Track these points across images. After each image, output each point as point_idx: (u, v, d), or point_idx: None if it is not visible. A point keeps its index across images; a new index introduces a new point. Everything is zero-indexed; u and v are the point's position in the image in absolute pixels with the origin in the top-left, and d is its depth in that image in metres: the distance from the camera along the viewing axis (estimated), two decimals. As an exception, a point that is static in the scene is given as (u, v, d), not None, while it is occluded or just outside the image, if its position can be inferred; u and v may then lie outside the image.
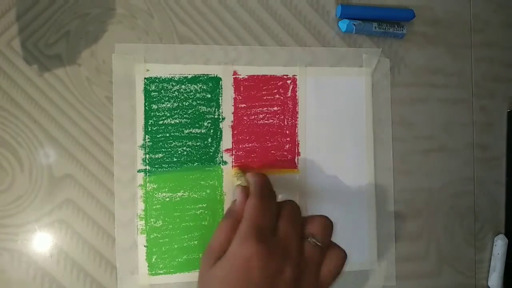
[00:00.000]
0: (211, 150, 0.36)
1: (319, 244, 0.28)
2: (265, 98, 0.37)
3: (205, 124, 0.36)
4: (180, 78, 0.36)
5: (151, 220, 0.35)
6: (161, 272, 0.35)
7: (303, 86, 0.37)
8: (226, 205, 0.36)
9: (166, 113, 0.35)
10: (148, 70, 0.35)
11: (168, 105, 0.35)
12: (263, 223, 0.27)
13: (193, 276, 0.35)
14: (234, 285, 0.25)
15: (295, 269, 0.26)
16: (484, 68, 0.41)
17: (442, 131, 0.40)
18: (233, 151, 0.36)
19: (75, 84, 0.34)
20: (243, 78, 0.36)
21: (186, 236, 0.35)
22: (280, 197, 0.36)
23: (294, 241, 0.28)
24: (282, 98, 0.37)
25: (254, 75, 0.37)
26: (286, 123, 0.37)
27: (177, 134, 0.35)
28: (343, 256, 0.29)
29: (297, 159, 0.37)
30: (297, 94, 0.37)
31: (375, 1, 0.39)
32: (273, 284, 0.26)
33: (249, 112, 0.37)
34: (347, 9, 0.37)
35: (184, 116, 0.36)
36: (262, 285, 0.25)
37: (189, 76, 0.36)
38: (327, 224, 0.29)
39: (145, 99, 0.35)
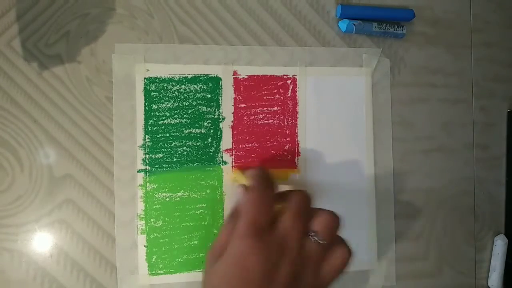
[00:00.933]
0: (211, 150, 0.36)
1: (320, 241, 0.27)
2: (265, 98, 0.37)
3: (205, 124, 0.36)
4: (180, 78, 0.36)
5: (151, 220, 0.35)
6: (161, 272, 0.35)
7: (303, 86, 0.37)
8: (226, 205, 0.36)
9: (166, 113, 0.35)
10: (148, 70, 0.35)
11: (168, 105, 0.35)
12: (260, 218, 0.27)
13: (193, 276, 0.35)
14: (232, 281, 0.25)
15: (292, 265, 0.26)
16: (484, 68, 0.41)
17: (442, 131, 0.40)
18: (233, 151, 0.36)
19: (75, 84, 0.34)
20: (243, 78, 0.36)
21: (186, 236, 0.35)
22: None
23: (295, 237, 0.27)
24: (282, 98, 0.37)
25: (254, 75, 0.37)
26: (286, 123, 0.37)
27: (177, 134, 0.35)
28: (347, 255, 0.28)
29: (297, 159, 0.37)
30: (297, 94, 0.37)
31: (375, 1, 0.39)
32: (269, 280, 0.25)
33: (249, 112, 0.37)
34: (347, 9, 0.37)
35: (184, 116, 0.36)
36: (258, 281, 0.25)
37: (189, 76, 0.36)
38: (332, 221, 0.28)
39: (145, 99, 0.35)
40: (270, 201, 0.29)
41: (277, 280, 0.26)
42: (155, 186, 0.35)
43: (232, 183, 0.36)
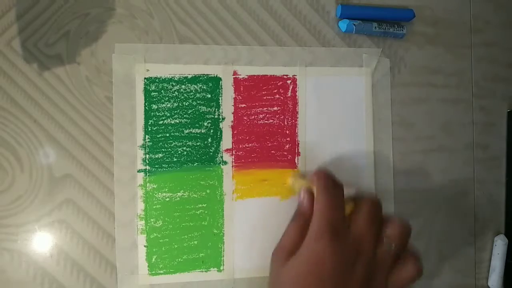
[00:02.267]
0: (211, 150, 0.36)
1: (393, 248, 0.28)
2: (265, 98, 0.37)
3: (205, 124, 0.36)
4: (180, 78, 0.36)
5: (151, 220, 0.35)
6: (161, 272, 0.35)
7: (303, 86, 0.37)
8: (226, 205, 0.36)
9: (166, 113, 0.35)
10: (148, 70, 0.35)
11: (168, 105, 0.35)
12: (335, 219, 0.27)
13: (193, 276, 0.35)
14: (307, 281, 0.26)
15: (366, 267, 0.26)
16: (484, 68, 0.41)
17: (442, 131, 0.40)
18: (233, 151, 0.36)
19: (75, 84, 0.34)
20: (243, 78, 0.36)
21: (186, 236, 0.35)
22: (279, 197, 0.36)
23: (369, 240, 0.27)
24: (282, 98, 0.37)
25: (254, 75, 0.37)
26: (286, 123, 0.37)
27: (177, 134, 0.35)
28: (416, 272, 0.28)
29: (297, 159, 0.37)
30: (297, 94, 0.37)
31: (375, 1, 0.39)
32: (345, 280, 0.26)
33: (249, 112, 0.37)
34: (347, 9, 0.37)
35: (184, 116, 0.36)
36: (333, 282, 0.26)
37: (189, 76, 0.36)
38: (406, 230, 0.29)
39: (145, 99, 0.35)
40: (342, 202, 0.29)
41: (351, 280, 0.26)
42: (155, 186, 0.35)
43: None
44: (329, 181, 0.30)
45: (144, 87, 0.35)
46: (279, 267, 0.28)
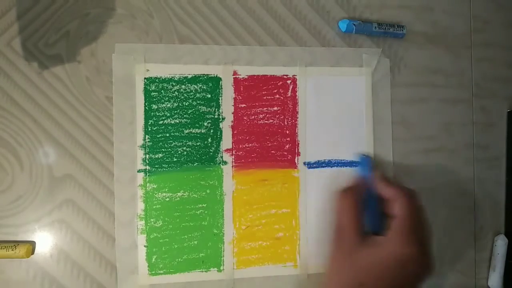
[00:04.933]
0: (211, 150, 0.36)
1: None
2: (265, 98, 0.37)
3: (205, 124, 0.36)
4: (180, 78, 0.36)
5: (151, 220, 0.35)
6: (161, 272, 0.35)
7: (303, 86, 0.37)
8: (226, 205, 0.36)
9: (166, 113, 0.35)
10: (148, 70, 0.35)
11: (168, 105, 0.35)
12: (416, 227, 0.30)
13: (193, 276, 0.35)
14: (391, 276, 0.29)
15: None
16: (484, 68, 0.41)
17: (442, 131, 0.40)
18: (233, 151, 0.36)
19: (75, 84, 0.34)
20: (243, 78, 0.36)
21: (186, 236, 0.35)
22: (278, 198, 0.36)
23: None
24: (282, 98, 0.37)
25: (254, 75, 0.37)
26: (286, 123, 0.37)
27: (177, 134, 0.35)
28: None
29: (297, 159, 0.37)
30: (297, 94, 0.37)
31: (376, 2, 0.39)
32: (415, 283, 0.29)
33: (249, 112, 0.37)
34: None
35: (184, 116, 0.36)
36: (410, 283, 0.29)
37: (189, 76, 0.36)
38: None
39: (145, 99, 0.35)
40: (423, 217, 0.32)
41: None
42: (155, 186, 0.35)
43: None
44: (412, 191, 0.32)
45: (144, 87, 0.35)
46: (354, 247, 0.30)
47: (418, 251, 0.29)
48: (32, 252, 0.33)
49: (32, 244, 0.33)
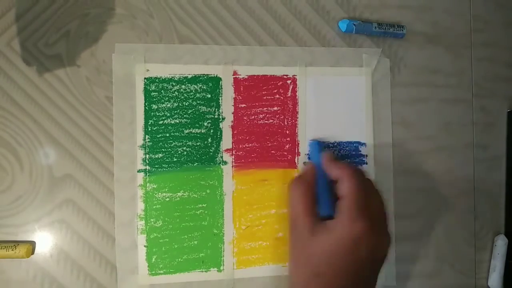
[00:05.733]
0: (211, 150, 0.36)
1: None
2: (265, 98, 0.37)
3: (205, 124, 0.36)
4: (180, 78, 0.36)
5: (151, 220, 0.35)
6: (161, 272, 0.35)
7: (303, 86, 0.37)
8: (226, 205, 0.36)
9: (166, 113, 0.35)
10: (148, 70, 0.35)
11: (168, 105, 0.35)
12: (366, 204, 0.29)
13: (193, 276, 0.35)
14: (345, 260, 0.28)
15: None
16: (484, 68, 0.41)
17: (442, 131, 0.40)
18: (233, 151, 0.36)
19: (75, 84, 0.34)
20: (243, 78, 0.36)
21: (186, 236, 0.35)
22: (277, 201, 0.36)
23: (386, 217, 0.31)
24: (282, 98, 0.37)
25: (254, 75, 0.37)
26: (286, 123, 0.37)
27: (177, 134, 0.35)
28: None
29: (297, 159, 0.37)
30: (297, 94, 0.37)
31: (375, 3, 0.39)
32: (374, 259, 0.29)
33: (249, 112, 0.37)
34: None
35: (184, 116, 0.36)
36: (370, 261, 0.28)
37: (189, 76, 0.36)
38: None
39: (145, 99, 0.35)
40: (369, 189, 0.31)
41: (378, 258, 0.30)
42: (155, 186, 0.35)
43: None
44: (357, 169, 0.31)
45: (144, 87, 0.35)
46: (307, 236, 0.29)
47: (367, 226, 0.28)
48: (32, 252, 0.33)
49: (32, 244, 0.33)
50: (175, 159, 0.35)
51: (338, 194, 0.30)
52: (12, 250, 0.32)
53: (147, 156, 0.35)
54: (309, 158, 0.37)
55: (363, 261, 0.28)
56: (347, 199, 0.29)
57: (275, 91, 0.37)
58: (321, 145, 0.36)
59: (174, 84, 0.35)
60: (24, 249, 0.32)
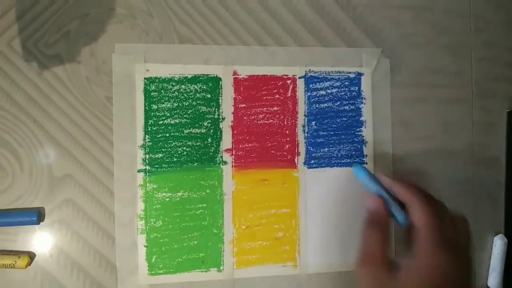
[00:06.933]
0: (211, 150, 0.36)
1: None
2: (265, 98, 0.37)
3: (205, 124, 0.36)
4: (180, 78, 0.36)
5: (151, 220, 0.35)
6: (161, 272, 0.35)
7: (303, 86, 0.37)
8: (226, 205, 0.36)
9: (166, 113, 0.35)
10: (148, 70, 0.35)
11: (168, 105, 0.35)
12: (445, 231, 0.28)
13: (193, 276, 0.35)
14: None
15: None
16: (484, 68, 0.41)
17: (442, 131, 0.40)
18: (233, 151, 0.36)
19: (75, 84, 0.34)
20: (243, 78, 0.36)
21: (186, 236, 0.35)
22: (278, 198, 0.36)
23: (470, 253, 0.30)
24: (282, 98, 0.37)
25: (254, 75, 0.37)
26: (286, 123, 0.37)
27: (177, 134, 0.35)
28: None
29: (297, 159, 0.37)
30: (297, 94, 0.37)
31: (375, 2, 0.39)
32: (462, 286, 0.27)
33: (249, 112, 0.37)
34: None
35: (184, 116, 0.36)
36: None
37: (189, 76, 0.36)
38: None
39: (145, 99, 0.35)
40: (445, 215, 0.31)
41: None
42: (155, 186, 0.35)
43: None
44: (427, 194, 0.31)
45: (144, 87, 0.35)
46: (381, 278, 0.28)
47: (450, 258, 0.27)
48: (30, 264, 0.33)
49: (31, 255, 0.33)
50: (175, 159, 0.35)
51: (410, 221, 0.30)
52: (11, 267, 0.32)
53: (147, 156, 0.35)
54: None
55: None
56: (422, 231, 0.28)
57: (275, 91, 0.37)
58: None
59: (174, 84, 0.35)
60: (23, 262, 0.32)
